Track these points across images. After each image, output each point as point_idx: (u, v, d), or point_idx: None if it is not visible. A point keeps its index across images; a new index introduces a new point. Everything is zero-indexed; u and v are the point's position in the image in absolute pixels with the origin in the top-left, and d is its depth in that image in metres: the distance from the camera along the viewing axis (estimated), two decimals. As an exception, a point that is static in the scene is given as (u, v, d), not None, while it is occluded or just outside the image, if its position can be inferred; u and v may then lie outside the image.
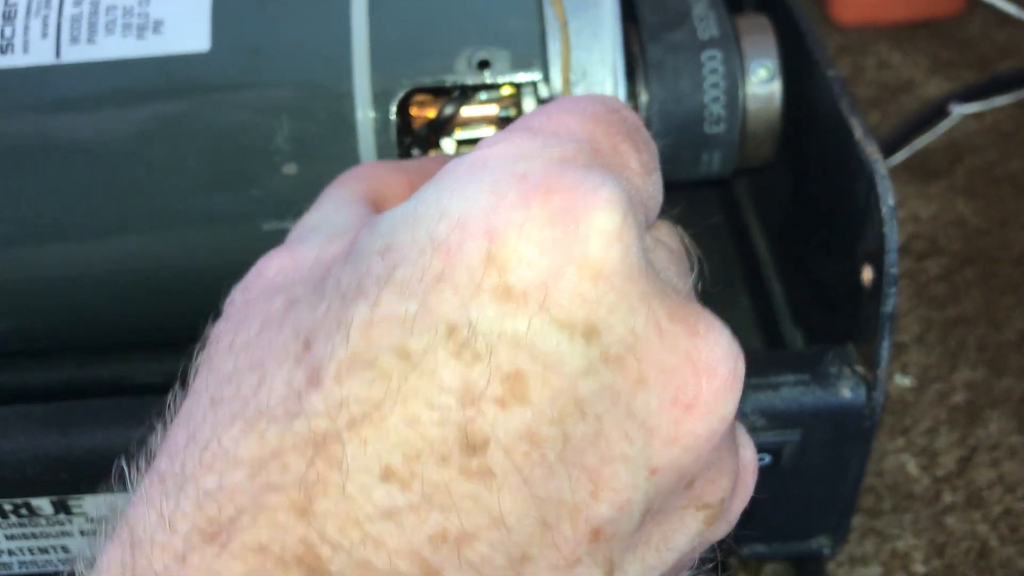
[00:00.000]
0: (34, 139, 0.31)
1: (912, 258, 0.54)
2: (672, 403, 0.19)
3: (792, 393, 0.32)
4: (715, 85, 0.35)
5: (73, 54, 0.31)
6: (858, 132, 0.31)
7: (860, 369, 0.32)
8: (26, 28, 0.32)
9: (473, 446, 0.18)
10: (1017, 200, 0.57)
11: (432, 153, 0.33)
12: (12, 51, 0.32)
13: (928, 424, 0.47)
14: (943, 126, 0.60)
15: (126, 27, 0.31)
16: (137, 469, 0.20)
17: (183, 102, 0.31)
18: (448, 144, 0.32)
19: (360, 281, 0.19)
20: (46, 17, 0.32)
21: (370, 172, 0.27)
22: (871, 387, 0.32)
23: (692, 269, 0.23)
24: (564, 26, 0.31)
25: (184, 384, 0.21)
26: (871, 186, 0.30)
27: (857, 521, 0.43)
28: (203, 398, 0.20)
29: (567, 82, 0.31)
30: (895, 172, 0.59)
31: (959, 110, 0.61)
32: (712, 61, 0.35)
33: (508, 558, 0.18)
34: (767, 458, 0.33)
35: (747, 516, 0.34)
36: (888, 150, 0.59)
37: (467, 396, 0.18)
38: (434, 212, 0.19)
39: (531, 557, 0.18)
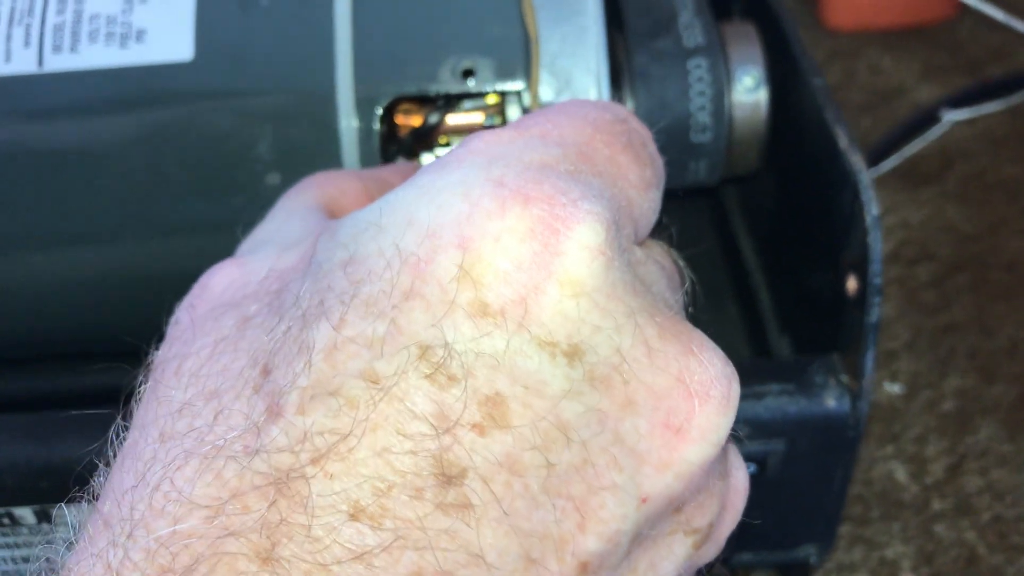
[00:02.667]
0: (15, 148, 0.31)
1: (902, 264, 0.54)
2: (663, 427, 0.18)
3: (777, 403, 0.32)
4: (701, 93, 0.35)
5: (56, 63, 0.31)
6: (843, 141, 0.31)
7: (845, 379, 0.32)
8: (8, 37, 0.31)
9: (449, 477, 0.17)
10: (1008, 206, 0.57)
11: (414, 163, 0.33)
12: (-6, 60, 0.31)
13: (918, 431, 0.47)
14: (934, 132, 0.60)
15: (109, 36, 0.31)
16: (79, 511, 0.18)
17: (166, 111, 0.31)
18: (428, 159, 0.32)
19: (322, 298, 0.18)
20: (29, 26, 0.31)
21: (325, 179, 0.25)
22: (856, 397, 0.32)
23: (684, 290, 0.22)
24: (535, 42, 0.30)
25: (127, 415, 0.19)
26: (855, 195, 0.30)
27: (845, 529, 0.43)
28: (151, 432, 0.19)
29: (535, 98, 0.31)
30: (886, 178, 0.59)
31: (950, 116, 0.61)
32: (698, 69, 0.35)
33: None
34: (752, 467, 0.33)
35: (735, 527, 0.34)
36: (879, 156, 0.59)
37: (442, 423, 0.17)
38: (401, 219, 0.18)
39: None
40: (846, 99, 0.65)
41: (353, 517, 0.16)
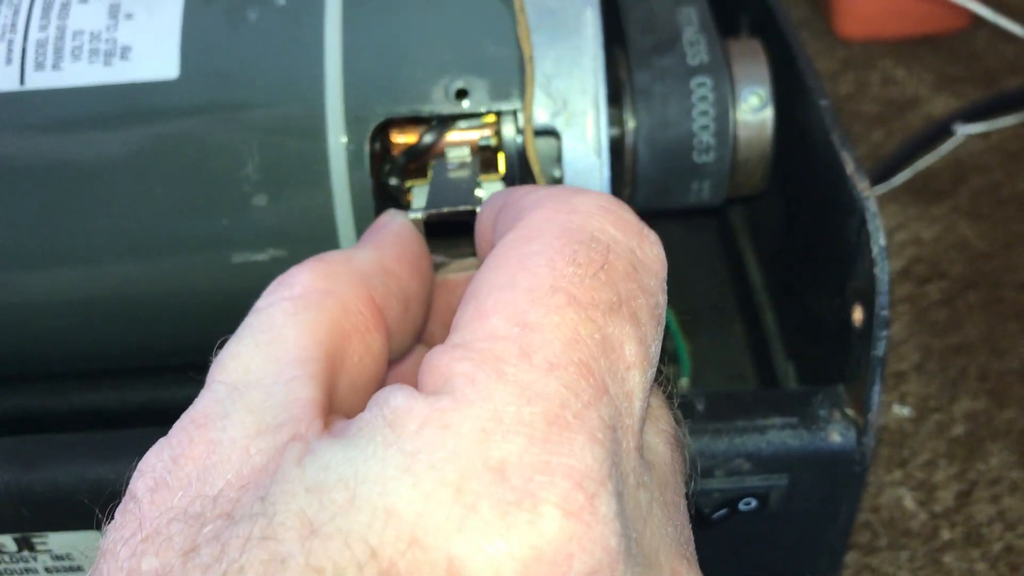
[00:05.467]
0: (-5, 168, 0.30)
1: (913, 282, 0.53)
2: None
3: (780, 436, 0.31)
4: (704, 113, 0.34)
5: (38, 80, 0.30)
6: (850, 167, 0.30)
7: (850, 412, 0.31)
8: (-10, 53, 0.31)
9: None
10: (1022, 222, 0.56)
11: (408, 184, 0.32)
12: (-25, 77, 0.31)
13: (927, 457, 0.46)
14: (947, 146, 0.59)
15: (93, 53, 0.30)
16: None
17: (151, 130, 0.30)
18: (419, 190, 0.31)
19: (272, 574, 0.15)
20: (11, 42, 0.31)
21: (325, 293, 0.21)
22: (862, 431, 0.30)
23: (687, 474, 0.20)
24: (529, 62, 0.29)
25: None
26: (862, 224, 0.29)
27: (852, 558, 0.42)
28: None
29: (529, 121, 0.30)
30: (897, 193, 0.58)
31: (964, 129, 0.59)
32: (702, 88, 0.34)
33: None
34: (753, 502, 0.32)
35: (735, 557, 0.33)
36: (890, 170, 0.58)
37: None
38: (377, 499, 0.15)
39: None
40: (858, 110, 0.63)
41: None
